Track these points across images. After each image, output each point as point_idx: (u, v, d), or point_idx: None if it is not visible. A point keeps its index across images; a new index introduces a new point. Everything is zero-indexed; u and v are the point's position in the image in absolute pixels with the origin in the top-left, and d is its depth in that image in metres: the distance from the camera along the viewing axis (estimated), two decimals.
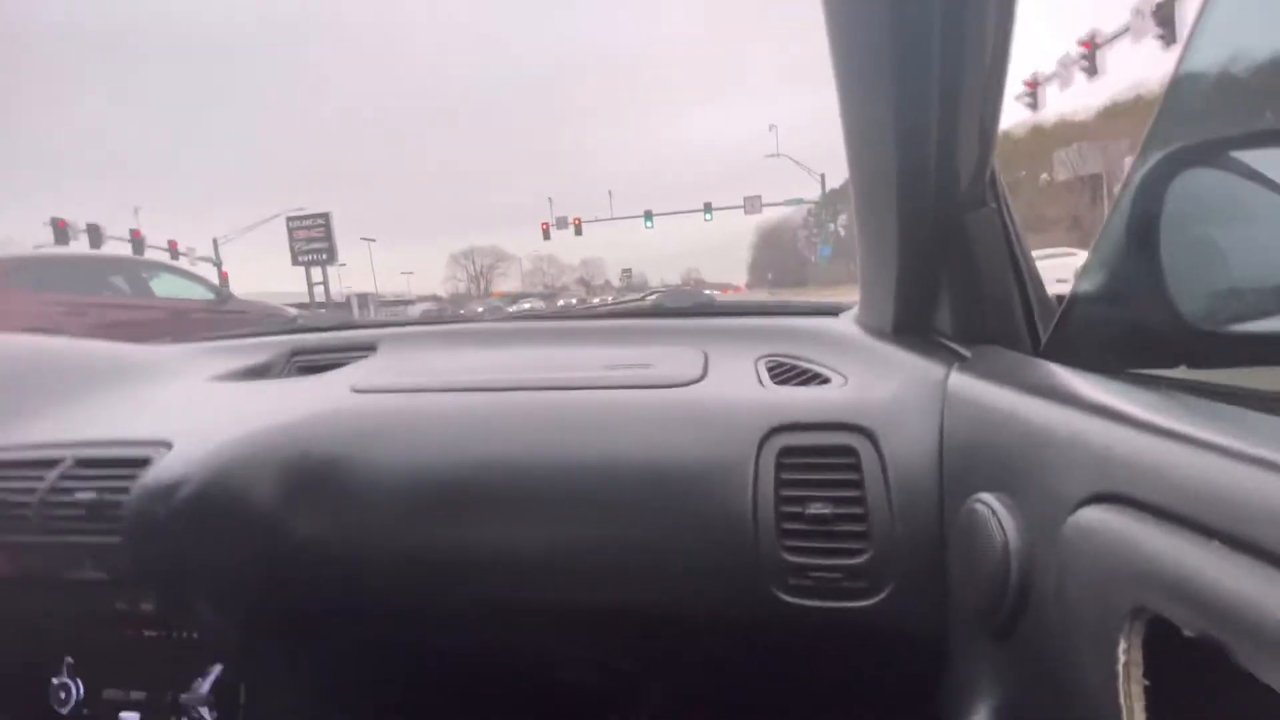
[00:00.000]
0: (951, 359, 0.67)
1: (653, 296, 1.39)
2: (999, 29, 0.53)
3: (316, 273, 24.24)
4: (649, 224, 30.40)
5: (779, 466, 0.67)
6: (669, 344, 1.02)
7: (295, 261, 24.15)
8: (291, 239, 23.98)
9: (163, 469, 0.73)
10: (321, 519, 0.75)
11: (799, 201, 34.60)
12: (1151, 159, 0.47)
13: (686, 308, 1.21)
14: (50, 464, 0.77)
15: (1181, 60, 0.44)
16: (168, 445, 0.76)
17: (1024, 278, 0.65)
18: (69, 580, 0.75)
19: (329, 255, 24.07)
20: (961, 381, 0.62)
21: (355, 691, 0.96)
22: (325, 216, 23.93)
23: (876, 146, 0.63)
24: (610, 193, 37.23)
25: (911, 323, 0.77)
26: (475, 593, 0.75)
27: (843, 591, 0.63)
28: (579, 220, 32.19)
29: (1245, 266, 0.50)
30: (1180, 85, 0.44)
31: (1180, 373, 0.47)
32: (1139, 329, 0.50)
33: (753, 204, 31.68)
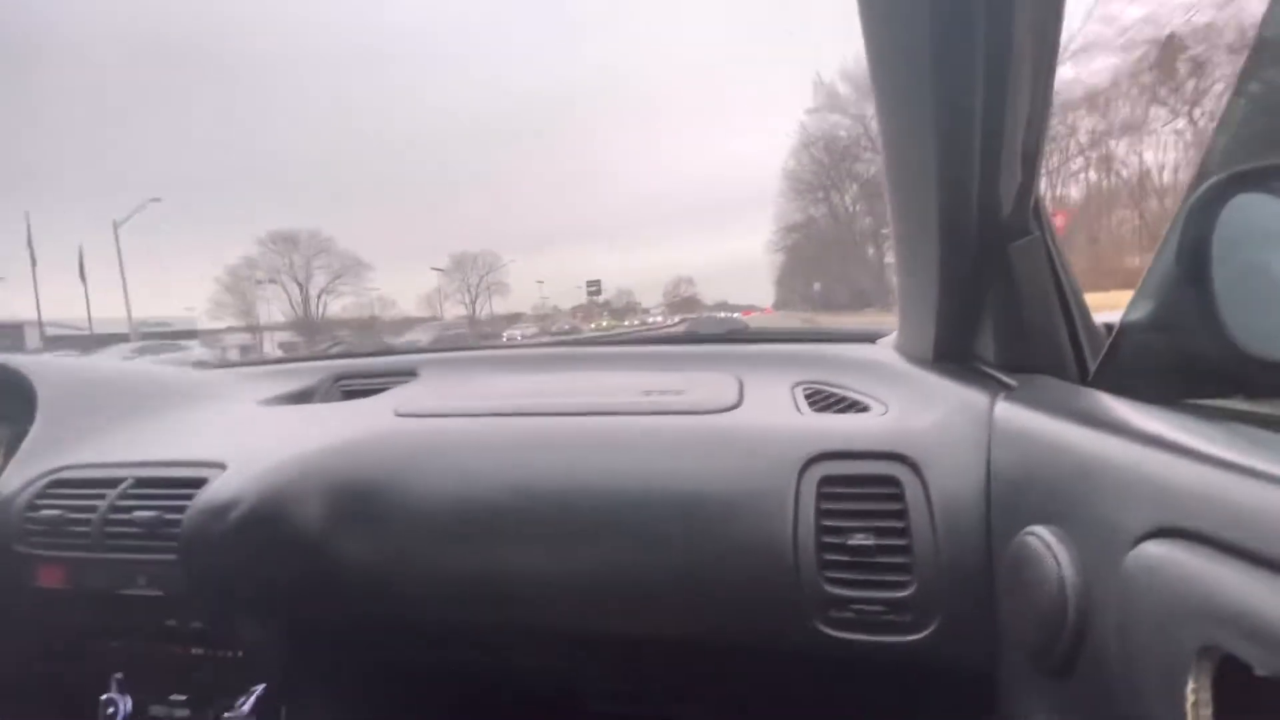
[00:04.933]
0: (997, 388, 0.66)
1: (683, 324, 1.39)
2: (1042, 51, 0.53)
3: None
4: None
5: (820, 496, 0.66)
6: (702, 370, 1.03)
7: None
8: None
9: (217, 489, 0.76)
10: (365, 541, 0.76)
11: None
12: (1204, 184, 0.47)
13: (719, 334, 1.22)
14: (112, 483, 0.81)
15: (1237, 86, 0.44)
16: (222, 466, 0.79)
17: (1070, 306, 0.64)
18: (123, 596, 0.78)
19: None
20: (1009, 410, 0.61)
21: (391, 712, 0.96)
22: None
23: (917, 172, 0.63)
24: None
25: (953, 350, 0.77)
26: (509, 617, 0.75)
27: (886, 625, 0.62)
28: None
29: None
30: (1235, 111, 0.44)
31: (1238, 403, 0.46)
32: (1193, 358, 0.49)
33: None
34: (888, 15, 0.56)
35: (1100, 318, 0.66)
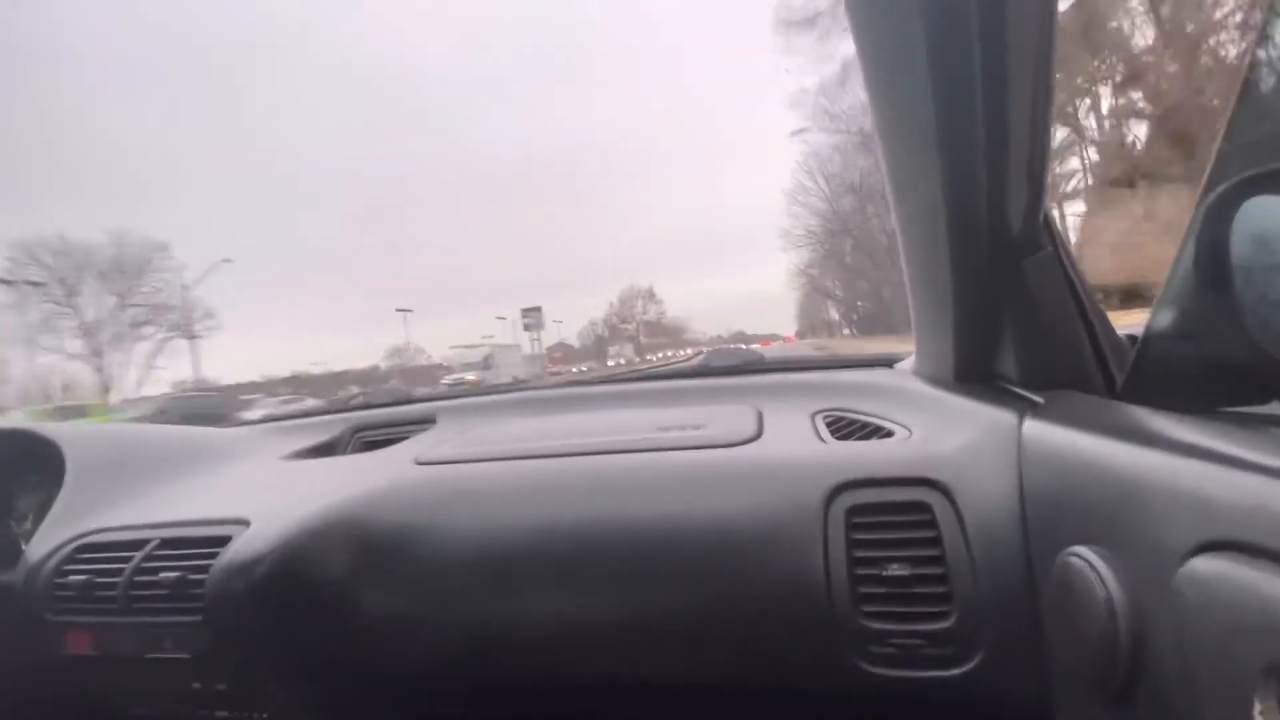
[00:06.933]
0: (1023, 406, 0.65)
1: (699, 356, 1.39)
2: (1040, 70, 0.53)
3: None
4: None
5: (849, 526, 0.64)
6: (718, 404, 1.02)
7: None
8: None
9: (241, 547, 0.75)
10: (390, 593, 0.75)
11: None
12: (1217, 188, 0.47)
13: (734, 365, 1.21)
14: (138, 545, 0.81)
15: (1244, 86, 0.44)
16: (245, 524, 0.79)
17: (1090, 319, 0.63)
18: (150, 660, 0.77)
19: None
20: (1037, 429, 0.59)
21: None
22: None
23: (923, 194, 0.63)
24: None
25: (974, 371, 0.76)
26: (538, 667, 0.73)
27: (929, 660, 0.59)
28: None
29: None
30: (1244, 112, 0.44)
31: (1273, 408, 0.45)
32: (1221, 365, 0.48)
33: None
34: (882, 35, 0.56)
35: (1123, 330, 0.65)
